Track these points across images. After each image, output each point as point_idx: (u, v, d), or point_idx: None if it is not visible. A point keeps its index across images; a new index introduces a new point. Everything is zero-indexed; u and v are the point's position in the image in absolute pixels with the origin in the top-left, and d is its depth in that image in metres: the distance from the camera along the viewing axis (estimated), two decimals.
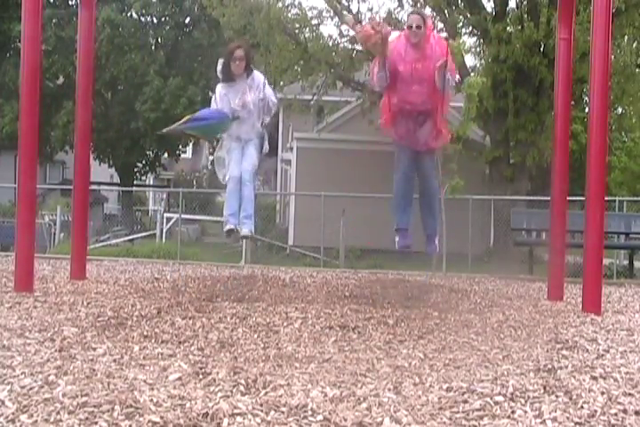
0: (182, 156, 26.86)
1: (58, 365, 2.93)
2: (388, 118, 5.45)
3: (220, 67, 5.73)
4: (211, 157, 33.77)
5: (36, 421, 2.24)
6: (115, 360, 3.07)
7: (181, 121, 5.58)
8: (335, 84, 15.20)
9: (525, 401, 2.62)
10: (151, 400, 2.42)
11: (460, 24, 14.13)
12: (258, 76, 5.76)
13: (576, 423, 2.41)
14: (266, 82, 5.82)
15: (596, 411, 2.53)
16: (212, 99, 5.91)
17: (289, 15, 14.42)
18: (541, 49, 12.70)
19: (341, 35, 14.71)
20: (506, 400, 2.62)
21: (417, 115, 5.29)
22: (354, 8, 14.80)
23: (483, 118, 13.41)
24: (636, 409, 2.57)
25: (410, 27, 5.11)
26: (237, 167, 5.50)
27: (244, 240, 5.45)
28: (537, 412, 2.49)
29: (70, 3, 21.12)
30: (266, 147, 5.82)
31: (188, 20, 21.96)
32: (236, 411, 2.36)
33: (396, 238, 5.44)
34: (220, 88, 5.73)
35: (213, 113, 5.65)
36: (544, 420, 2.42)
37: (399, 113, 5.36)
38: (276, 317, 4.29)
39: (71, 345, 3.35)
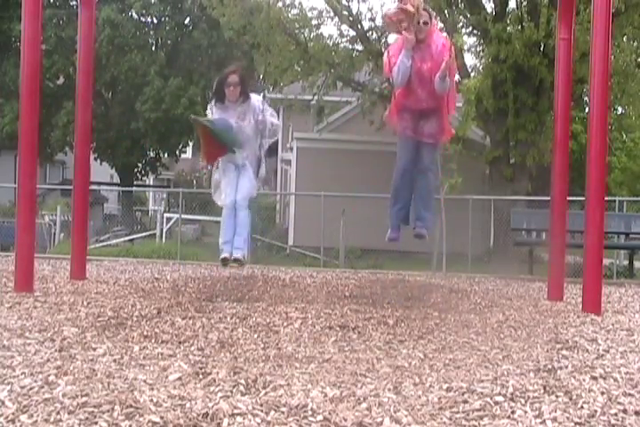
0: (182, 156, 26.85)
1: (58, 365, 2.92)
2: (394, 111, 5.40)
3: (214, 88, 5.61)
4: None
5: (36, 421, 2.24)
6: (115, 360, 3.07)
7: (206, 119, 5.44)
8: (335, 84, 15.20)
9: (525, 401, 2.62)
10: (151, 400, 2.42)
11: (460, 24, 14.14)
12: (255, 100, 5.59)
13: (576, 423, 2.41)
14: (265, 104, 5.67)
15: (596, 411, 2.53)
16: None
17: (289, 15, 14.43)
18: (541, 49, 12.70)
19: (341, 35, 14.73)
20: (506, 400, 2.62)
21: (421, 111, 5.28)
22: (354, 8, 14.82)
23: (483, 118, 13.42)
24: (636, 409, 2.57)
25: (417, 22, 5.03)
26: (233, 194, 5.40)
27: (237, 264, 5.34)
28: (537, 412, 2.49)
29: (70, 3, 21.13)
30: (262, 172, 5.67)
31: (187, 20, 21.97)
32: (235, 411, 2.36)
33: (388, 231, 5.44)
34: (213, 109, 5.58)
35: (222, 121, 5.43)
36: (544, 420, 2.42)
37: (404, 108, 5.33)
38: (276, 317, 4.29)
39: (71, 345, 3.35)
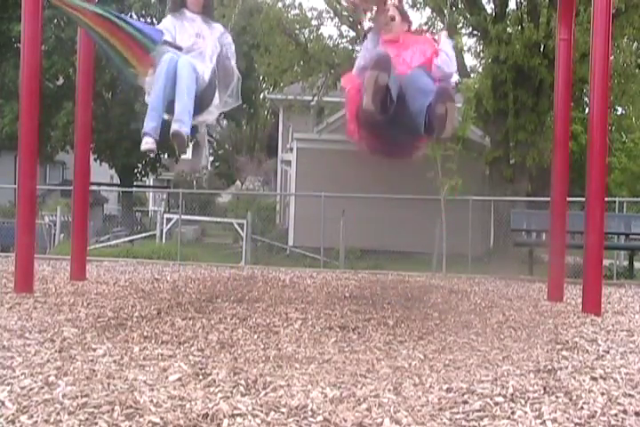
0: (182, 156, 26.82)
1: (58, 365, 2.92)
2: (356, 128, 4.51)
3: None
4: (211, 158, 33.73)
5: (36, 421, 2.23)
6: (115, 361, 3.07)
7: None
8: (335, 84, 15.22)
9: (525, 402, 2.62)
10: (151, 401, 2.43)
11: (460, 25, 14.16)
12: (221, 28, 4.69)
13: (576, 424, 2.41)
14: (232, 46, 4.67)
15: (596, 412, 2.53)
16: None
17: (289, 16, 14.45)
18: (541, 49, 12.72)
19: (341, 35, 14.76)
20: (506, 401, 2.62)
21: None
22: None
23: (483, 119, 13.43)
24: (636, 410, 2.57)
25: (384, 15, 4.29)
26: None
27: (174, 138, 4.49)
28: (537, 413, 2.49)
29: None
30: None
31: None
32: (235, 412, 2.36)
33: None
34: (167, 21, 4.58)
35: (147, 27, 4.35)
36: (544, 421, 2.41)
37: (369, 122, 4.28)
38: (275, 317, 4.29)
39: (71, 346, 3.35)
